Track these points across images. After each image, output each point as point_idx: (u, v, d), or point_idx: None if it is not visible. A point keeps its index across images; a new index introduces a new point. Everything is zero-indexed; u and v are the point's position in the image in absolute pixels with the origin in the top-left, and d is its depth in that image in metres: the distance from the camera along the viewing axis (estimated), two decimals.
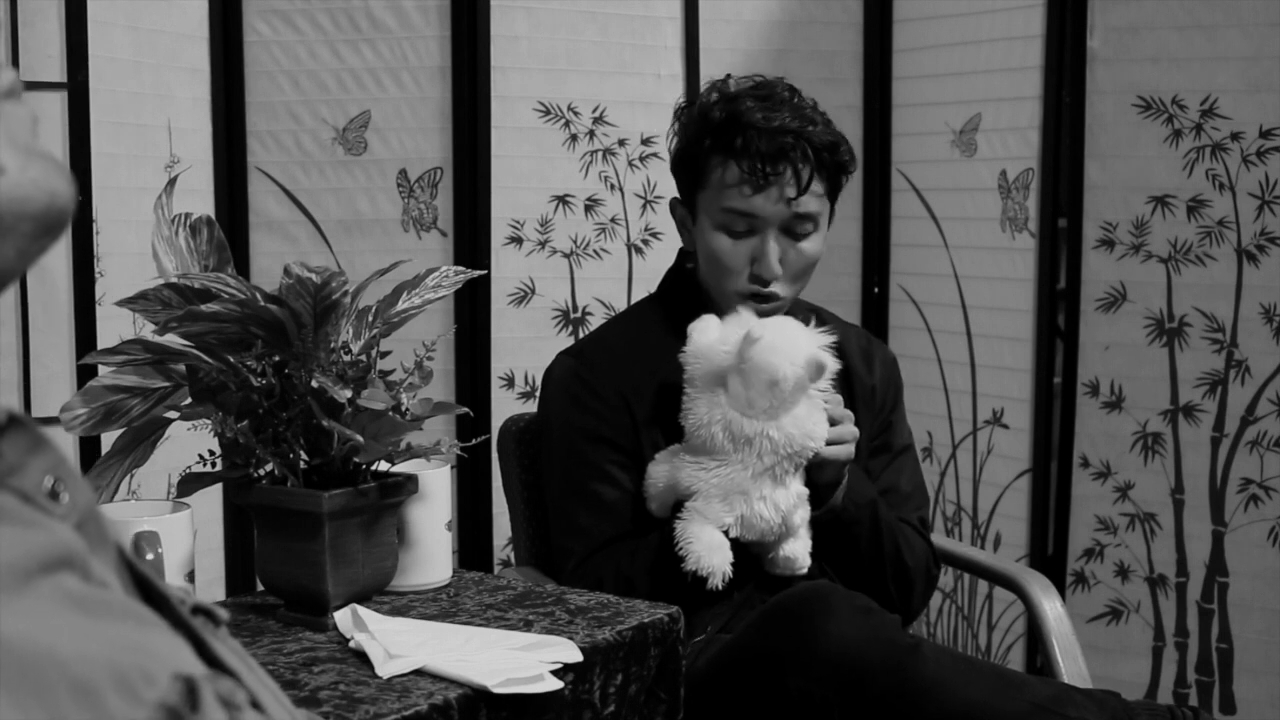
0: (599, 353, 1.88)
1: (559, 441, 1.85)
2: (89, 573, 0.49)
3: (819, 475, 1.73)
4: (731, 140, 1.75)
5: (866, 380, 1.93)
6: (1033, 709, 1.56)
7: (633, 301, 2.58)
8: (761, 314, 1.80)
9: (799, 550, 1.74)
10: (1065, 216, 2.55)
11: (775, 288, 1.79)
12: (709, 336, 1.71)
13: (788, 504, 1.69)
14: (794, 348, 1.66)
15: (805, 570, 1.75)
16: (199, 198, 2.40)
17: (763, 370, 1.64)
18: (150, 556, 1.34)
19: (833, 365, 1.69)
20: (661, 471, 1.75)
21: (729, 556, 1.67)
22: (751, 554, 1.73)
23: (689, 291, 1.89)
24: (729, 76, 1.85)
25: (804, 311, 1.95)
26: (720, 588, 1.66)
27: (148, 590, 0.57)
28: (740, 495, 1.67)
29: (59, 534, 0.50)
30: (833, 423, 1.72)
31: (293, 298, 1.36)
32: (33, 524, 0.49)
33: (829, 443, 1.70)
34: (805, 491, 1.72)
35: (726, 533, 1.68)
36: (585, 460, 1.81)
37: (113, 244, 2.22)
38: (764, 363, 1.64)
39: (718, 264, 1.80)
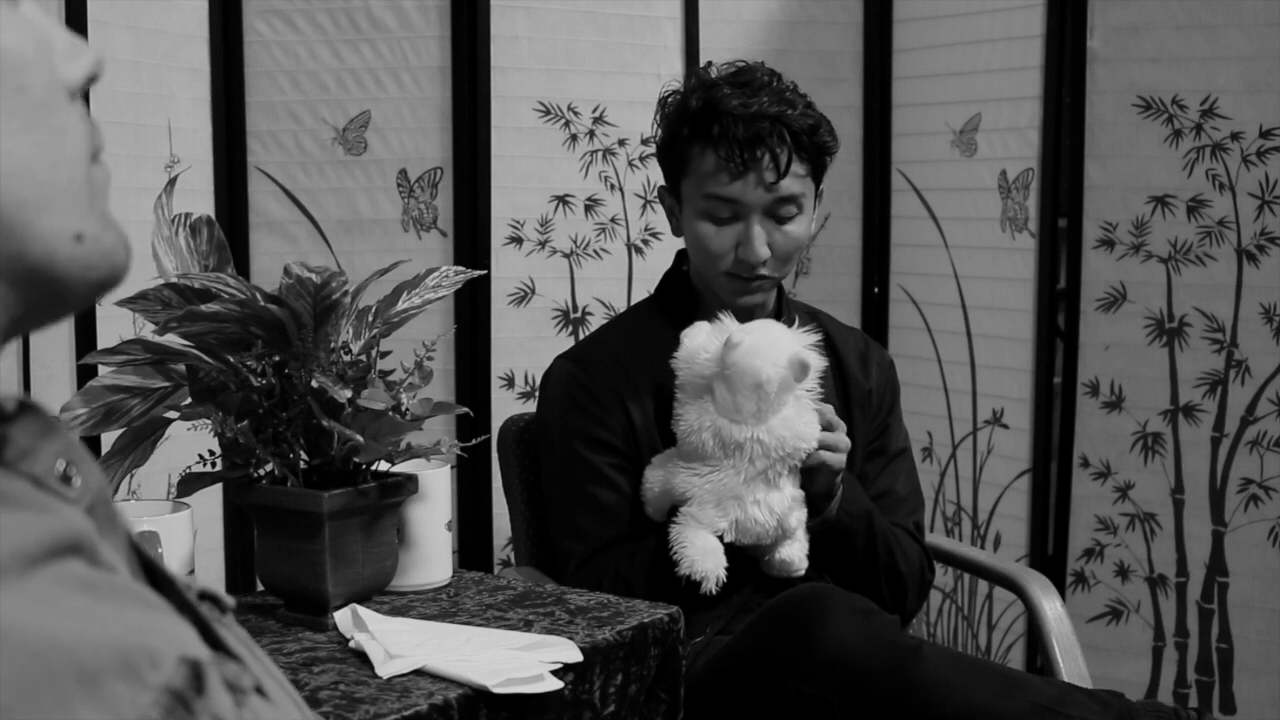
0: (596, 356, 1.88)
1: (558, 444, 1.85)
2: (97, 557, 0.50)
3: (811, 484, 1.73)
4: (709, 128, 1.76)
5: (863, 384, 1.93)
6: (1035, 709, 1.56)
7: (633, 301, 2.58)
8: (750, 290, 1.81)
9: (796, 553, 1.73)
10: (1065, 216, 2.55)
11: (763, 269, 1.79)
12: (697, 342, 1.71)
13: (782, 506, 1.68)
14: (775, 349, 1.66)
15: (802, 573, 1.75)
16: (199, 198, 2.40)
17: (746, 374, 1.64)
18: None
19: (817, 363, 1.68)
20: (656, 477, 1.75)
21: (722, 561, 1.67)
22: (749, 556, 1.73)
23: (686, 293, 1.89)
24: (709, 64, 1.85)
25: (803, 315, 1.95)
26: (714, 592, 1.66)
27: (154, 575, 0.58)
28: (734, 500, 1.67)
29: (69, 519, 0.50)
30: (826, 429, 1.71)
31: (293, 298, 1.36)
32: (44, 509, 0.49)
33: (822, 447, 1.70)
34: (800, 494, 1.72)
35: (721, 537, 1.68)
36: (584, 463, 1.81)
37: None
38: (746, 366, 1.64)
39: (704, 251, 1.81)
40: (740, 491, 1.67)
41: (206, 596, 0.60)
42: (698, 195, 1.79)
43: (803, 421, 1.68)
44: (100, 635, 0.45)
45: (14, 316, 0.53)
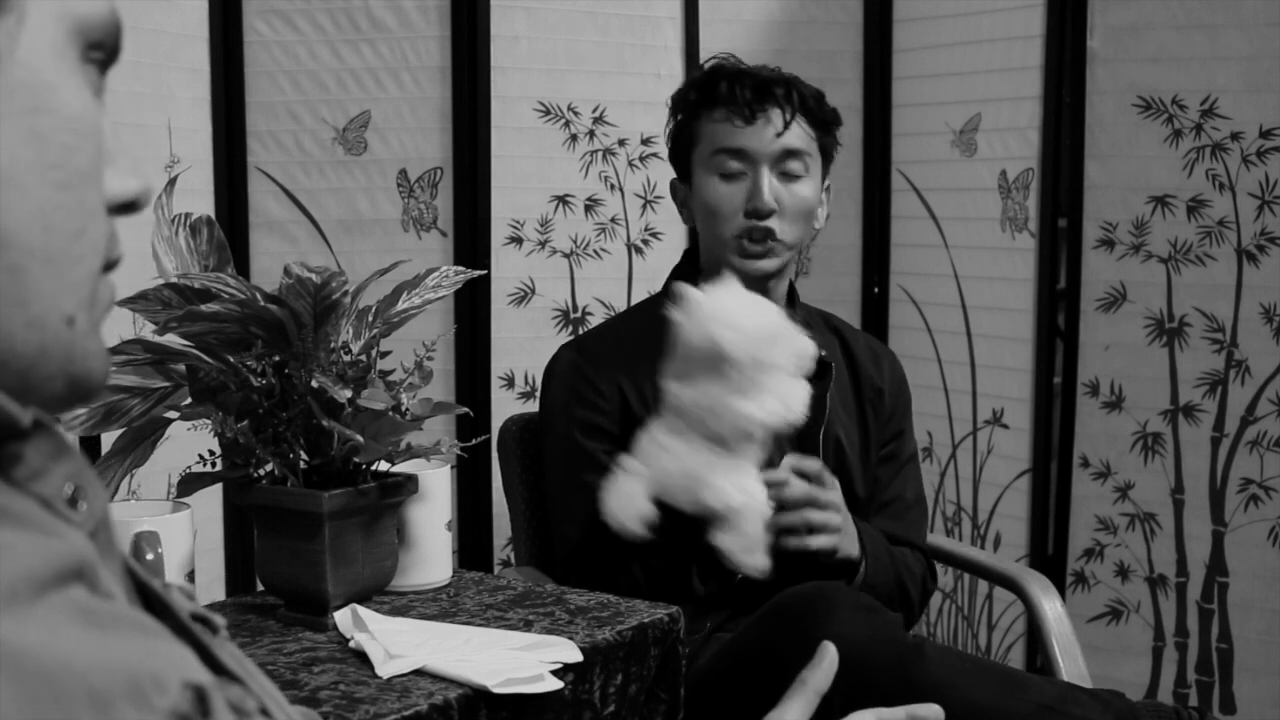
0: (600, 346, 1.89)
1: (559, 432, 1.87)
2: (97, 584, 0.49)
3: (828, 558, 1.74)
4: (716, 88, 1.82)
5: (876, 382, 1.94)
6: (1037, 709, 1.56)
7: (633, 301, 2.58)
8: (761, 254, 1.80)
9: (733, 546, 1.63)
10: (1065, 216, 2.55)
11: (772, 224, 1.80)
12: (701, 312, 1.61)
13: (731, 482, 1.61)
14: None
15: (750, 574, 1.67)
16: (199, 198, 2.40)
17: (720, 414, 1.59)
18: (150, 556, 1.34)
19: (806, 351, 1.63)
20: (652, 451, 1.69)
21: (644, 508, 1.62)
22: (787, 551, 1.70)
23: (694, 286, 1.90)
24: (713, 58, 1.91)
25: (815, 317, 1.96)
26: (635, 536, 1.63)
27: (147, 596, 0.57)
28: (702, 423, 1.62)
29: (74, 543, 0.50)
30: (817, 479, 1.70)
31: (293, 298, 1.36)
32: (51, 531, 0.49)
33: (815, 511, 1.68)
34: (760, 486, 1.65)
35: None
36: (582, 451, 1.82)
37: None
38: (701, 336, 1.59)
39: (715, 214, 1.82)
40: (712, 410, 1.59)
41: (197, 618, 0.59)
42: (708, 157, 1.83)
43: (783, 394, 1.61)
44: (109, 660, 0.45)
45: None
